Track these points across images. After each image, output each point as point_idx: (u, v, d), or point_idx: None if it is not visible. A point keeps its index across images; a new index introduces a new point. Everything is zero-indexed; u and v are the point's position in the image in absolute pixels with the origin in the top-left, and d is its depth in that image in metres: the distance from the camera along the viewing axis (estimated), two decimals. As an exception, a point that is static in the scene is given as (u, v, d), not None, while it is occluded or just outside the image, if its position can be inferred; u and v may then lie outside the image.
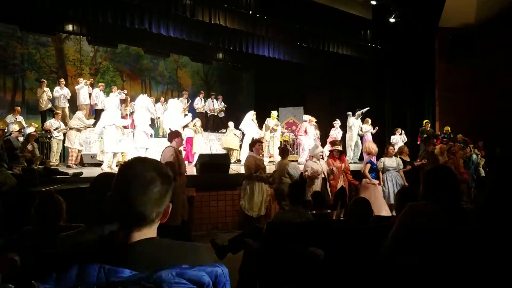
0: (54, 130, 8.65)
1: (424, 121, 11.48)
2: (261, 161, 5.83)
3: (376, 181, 6.54)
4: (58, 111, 9.65)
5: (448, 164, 8.08)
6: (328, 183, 6.42)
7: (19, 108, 9.63)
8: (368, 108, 11.27)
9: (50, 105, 10.43)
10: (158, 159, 3.69)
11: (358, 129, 11.18)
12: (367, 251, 2.59)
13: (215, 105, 13.76)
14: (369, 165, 6.60)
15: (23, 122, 9.11)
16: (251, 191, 5.75)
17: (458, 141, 10.17)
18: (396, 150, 7.81)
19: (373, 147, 6.83)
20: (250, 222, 5.67)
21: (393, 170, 7.07)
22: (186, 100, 12.65)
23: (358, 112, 11.16)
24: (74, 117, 8.74)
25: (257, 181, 5.77)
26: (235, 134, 10.62)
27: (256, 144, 5.93)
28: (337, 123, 11.16)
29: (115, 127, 7.80)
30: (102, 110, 11.16)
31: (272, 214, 5.83)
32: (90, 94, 11.31)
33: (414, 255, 2.14)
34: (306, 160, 7.78)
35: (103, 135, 8.26)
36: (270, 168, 6.92)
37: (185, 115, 10.17)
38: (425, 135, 11.19)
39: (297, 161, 10.40)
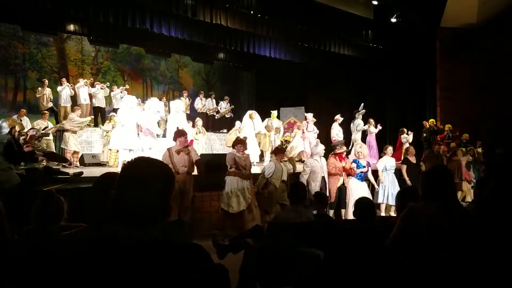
0: (43, 130, 8.60)
1: (430, 120, 11.45)
2: (240, 159, 5.85)
3: (362, 182, 6.55)
4: (45, 112, 9.63)
5: (450, 164, 8.11)
6: (327, 182, 6.45)
7: (24, 110, 9.66)
8: (362, 104, 11.15)
9: (51, 104, 10.44)
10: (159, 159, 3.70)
11: (360, 130, 11.03)
12: (368, 251, 2.59)
13: (214, 105, 13.76)
14: (354, 164, 6.62)
15: (29, 124, 9.15)
16: (227, 187, 5.79)
17: (462, 141, 10.16)
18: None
19: (358, 150, 6.81)
20: (229, 217, 5.75)
21: (391, 170, 7.13)
22: (187, 99, 12.65)
23: (357, 114, 11.02)
24: (67, 119, 8.77)
25: (234, 176, 5.80)
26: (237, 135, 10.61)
27: (238, 143, 5.96)
28: (339, 117, 11.00)
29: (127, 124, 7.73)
30: (99, 108, 11.18)
31: (254, 212, 5.87)
32: (90, 94, 11.30)
33: (415, 255, 2.15)
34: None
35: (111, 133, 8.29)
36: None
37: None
38: (424, 134, 11.18)
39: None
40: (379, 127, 10.93)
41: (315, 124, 11.24)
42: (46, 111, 9.65)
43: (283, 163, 6.38)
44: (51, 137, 8.84)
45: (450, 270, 2.02)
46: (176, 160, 5.48)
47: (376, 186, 7.02)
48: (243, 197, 5.77)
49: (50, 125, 9.02)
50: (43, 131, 8.53)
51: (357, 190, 6.35)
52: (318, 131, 11.15)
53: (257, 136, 10.01)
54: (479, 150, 9.51)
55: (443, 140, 10.17)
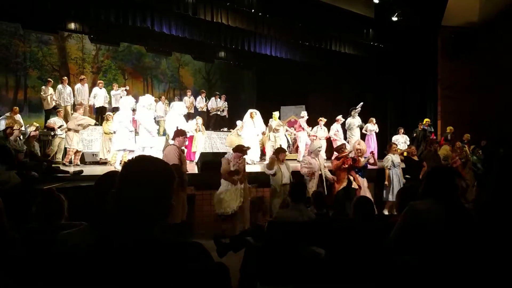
0: (58, 128, 8.65)
1: (425, 120, 11.44)
2: (234, 163, 5.84)
3: (362, 179, 6.54)
4: (60, 109, 9.61)
5: (454, 162, 8.11)
6: (326, 181, 6.40)
7: (17, 108, 9.61)
8: (361, 103, 11.15)
9: (54, 103, 10.42)
10: (160, 158, 3.68)
11: (358, 127, 11.05)
12: (369, 250, 2.58)
13: (218, 104, 13.74)
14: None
15: (21, 121, 9.13)
16: (221, 189, 5.82)
17: (463, 141, 10.14)
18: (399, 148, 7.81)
19: (357, 147, 6.75)
20: (221, 218, 5.78)
21: (398, 167, 7.13)
22: (190, 98, 12.61)
23: (353, 112, 11.03)
24: (72, 119, 8.76)
25: (225, 180, 5.82)
26: (239, 135, 10.58)
27: (239, 152, 5.92)
28: (340, 118, 11.06)
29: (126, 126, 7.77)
30: (102, 108, 11.15)
31: (246, 214, 5.88)
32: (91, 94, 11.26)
33: (416, 254, 2.14)
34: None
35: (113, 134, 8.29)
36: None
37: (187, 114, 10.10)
38: (414, 135, 11.20)
39: (296, 159, 10.42)
40: (374, 127, 10.96)
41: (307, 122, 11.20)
42: (61, 109, 9.60)
43: (285, 164, 6.25)
44: (63, 135, 8.82)
45: (450, 270, 2.02)
46: (183, 159, 5.45)
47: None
48: (236, 198, 5.77)
49: (65, 124, 9.01)
50: (60, 129, 8.58)
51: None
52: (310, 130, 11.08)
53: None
54: (469, 150, 9.46)
55: (446, 141, 10.16)
